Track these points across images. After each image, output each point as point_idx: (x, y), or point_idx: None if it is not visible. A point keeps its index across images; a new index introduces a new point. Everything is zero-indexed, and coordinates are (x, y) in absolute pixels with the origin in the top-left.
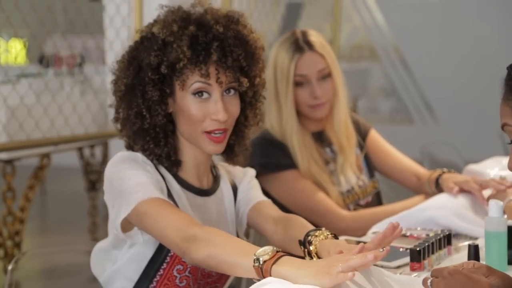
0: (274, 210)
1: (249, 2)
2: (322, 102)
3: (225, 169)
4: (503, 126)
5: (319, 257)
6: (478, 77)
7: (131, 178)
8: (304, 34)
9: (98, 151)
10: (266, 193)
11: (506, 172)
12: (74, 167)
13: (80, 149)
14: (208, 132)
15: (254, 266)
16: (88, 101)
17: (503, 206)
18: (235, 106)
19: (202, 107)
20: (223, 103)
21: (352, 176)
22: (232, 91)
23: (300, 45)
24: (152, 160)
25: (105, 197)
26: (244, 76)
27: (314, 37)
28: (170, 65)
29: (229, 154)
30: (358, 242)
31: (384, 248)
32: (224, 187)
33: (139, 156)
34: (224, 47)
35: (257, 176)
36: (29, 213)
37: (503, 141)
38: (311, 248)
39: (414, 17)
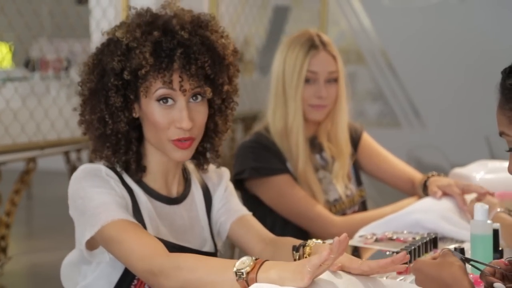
0: (262, 229)
1: (236, 6)
2: (324, 104)
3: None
4: (500, 134)
5: None
6: (465, 81)
7: (93, 198)
8: (319, 35)
9: (84, 155)
10: (256, 197)
11: (491, 176)
12: (61, 171)
13: (66, 153)
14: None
15: (238, 280)
16: (74, 105)
17: (488, 210)
18: (201, 114)
19: (167, 114)
20: (189, 110)
21: (341, 185)
22: (200, 98)
23: (316, 43)
24: (116, 171)
25: (70, 212)
26: (210, 83)
27: (328, 40)
28: (133, 71)
29: (200, 161)
30: (351, 247)
31: (337, 238)
32: (196, 191)
33: (102, 169)
34: (188, 54)
35: (248, 180)
36: (15, 218)
37: (489, 144)
38: (307, 249)
39: (401, 21)
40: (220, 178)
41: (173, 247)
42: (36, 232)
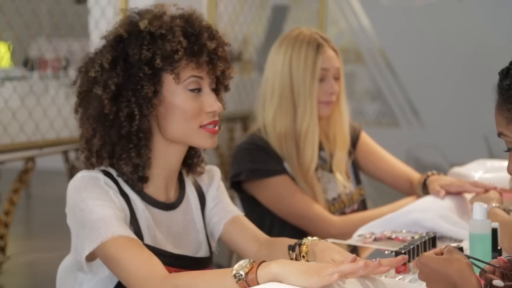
0: (256, 229)
1: (235, 6)
2: (333, 100)
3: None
4: (499, 135)
5: (307, 261)
6: (463, 80)
7: (93, 211)
8: (317, 32)
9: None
10: (253, 198)
11: (490, 175)
12: (59, 171)
13: (65, 153)
14: (205, 126)
15: (238, 282)
16: (73, 105)
17: (487, 209)
18: (220, 100)
19: (197, 100)
20: None
21: (339, 183)
22: (213, 87)
23: (320, 40)
24: (114, 179)
25: (67, 220)
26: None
27: (327, 36)
28: (165, 58)
29: (191, 166)
30: (349, 246)
31: (377, 259)
32: (190, 193)
33: (100, 178)
34: (213, 38)
35: (245, 182)
36: (13, 217)
37: (488, 144)
38: (303, 248)
39: (400, 21)
40: (211, 178)
41: (170, 257)
42: (35, 231)
